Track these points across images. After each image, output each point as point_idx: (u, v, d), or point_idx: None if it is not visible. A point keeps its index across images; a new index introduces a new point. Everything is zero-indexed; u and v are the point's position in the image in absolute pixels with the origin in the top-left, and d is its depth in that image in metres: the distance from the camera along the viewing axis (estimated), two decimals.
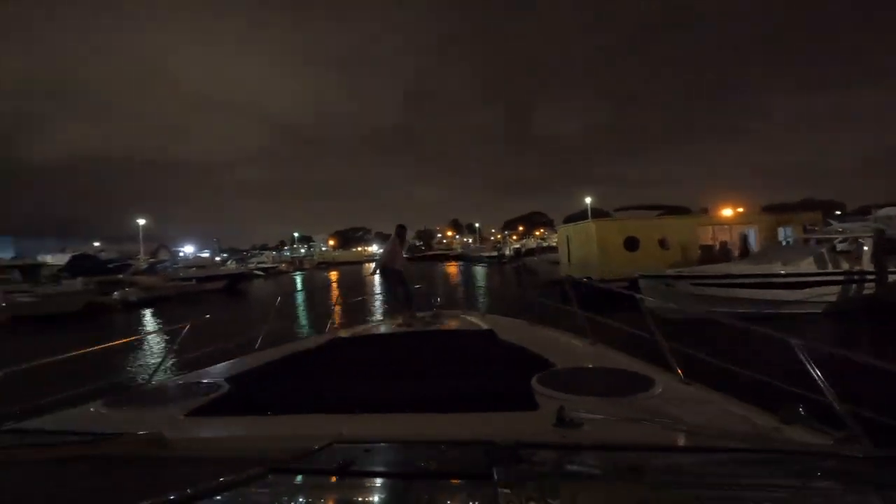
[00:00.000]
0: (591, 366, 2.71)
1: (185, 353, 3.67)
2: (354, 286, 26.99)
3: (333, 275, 47.40)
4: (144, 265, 31.57)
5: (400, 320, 5.02)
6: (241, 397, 2.35)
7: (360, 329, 4.80)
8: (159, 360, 3.63)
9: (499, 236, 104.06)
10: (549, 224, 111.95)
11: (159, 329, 4.77)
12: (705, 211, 20.47)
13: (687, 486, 1.03)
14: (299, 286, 36.30)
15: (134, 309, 21.80)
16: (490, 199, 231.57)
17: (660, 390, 2.09)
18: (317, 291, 27.70)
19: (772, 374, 2.40)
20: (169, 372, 3.90)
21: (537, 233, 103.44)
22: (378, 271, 6.10)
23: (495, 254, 58.61)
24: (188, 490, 0.88)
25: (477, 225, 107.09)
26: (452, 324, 4.68)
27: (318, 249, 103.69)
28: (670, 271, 13.22)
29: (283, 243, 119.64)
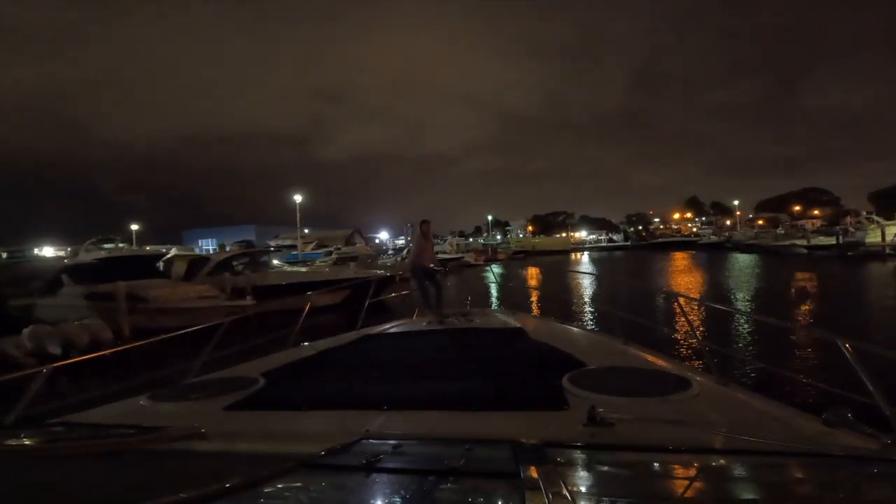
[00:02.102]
0: (624, 365, 2.56)
1: (224, 350, 3.44)
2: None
3: (533, 273, 30.59)
4: (242, 261, 18.44)
5: (430, 318, 4.85)
6: (276, 393, 2.40)
7: (389, 327, 4.66)
8: (200, 356, 3.12)
9: (760, 219, 73.17)
10: (832, 203, 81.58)
11: (198, 328, 3.38)
12: None
13: (724, 490, 1.00)
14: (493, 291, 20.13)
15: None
16: (726, 180, 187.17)
17: (696, 391, 1.99)
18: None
19: (815, 375, 2.42)
20: (209, 368, 3.20)
21: (817, 212, 72.47)
22: (411, 272, 5.77)
23: (830, 242, 33.44)
24: (225, 483, 0.91)
25: (736, 202, 77.47)
26: (483, 322, 4.49)
27: (514, 235, 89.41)
28: None
29: (478, 229, 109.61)
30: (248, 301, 13.89)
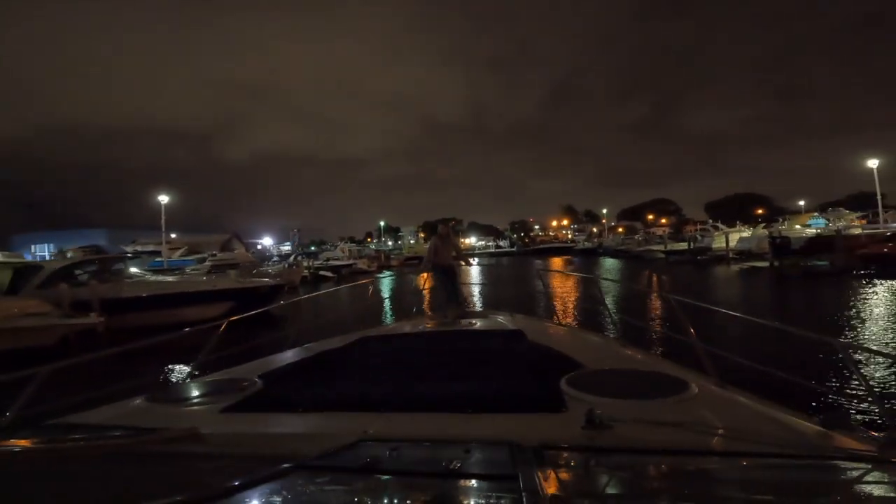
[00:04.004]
0: (622, 367, 2.55)
1: (221, 351, 3.42)
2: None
3: (423, 279, 29.59)
4: (88, 269, 14.63)
5: (429, 319, 4.89)
6: (273, 394, 2.37)
7: (387, 328, 4.69)
8: (197, 357, 3.17)
9: (620, 226, 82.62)
10: (676, 212, 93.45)
11: (195, 328, 3.29)
12: None
13: (722, 492, 1.01)
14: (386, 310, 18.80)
15: None
16: (602, 190, 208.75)
17: (694, 393, 1.98)
18: None
19: (813, 378, 2.25)
20: (206, 369, 3.22)
21: (664, 220, 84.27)
22: (431, 270, 6.07)
23: (683, 247, 38.27)
24: (221, 485, 0.91)
25: (605, 210, 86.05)
26: (480, 324, 4.46)
27: (406, 242, 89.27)
28: None
29: (369, 235, 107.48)
30: (93, 318, 11.07)
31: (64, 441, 1.40)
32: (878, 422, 1.63)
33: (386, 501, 0.92)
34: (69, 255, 16.99)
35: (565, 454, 1.10)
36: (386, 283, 22.52)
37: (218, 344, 3.26)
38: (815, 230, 31.23)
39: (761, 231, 33.73)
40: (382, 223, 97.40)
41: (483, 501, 0.90)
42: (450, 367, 2.80)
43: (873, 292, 14.67)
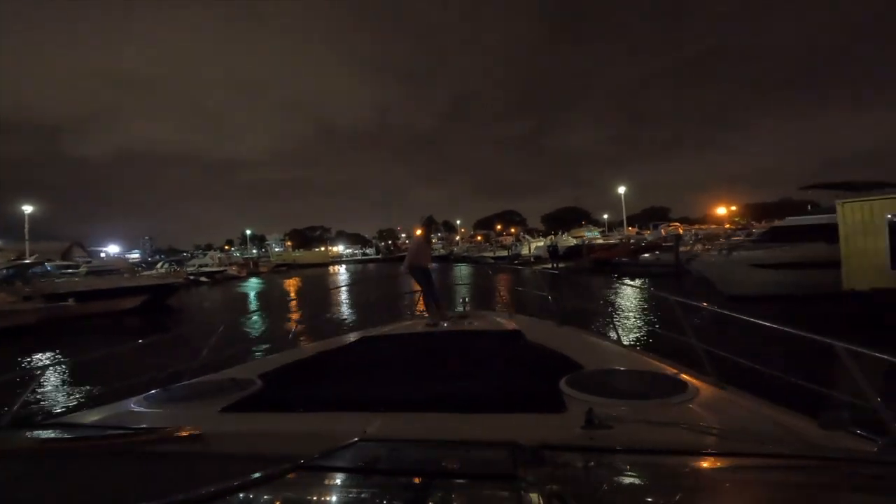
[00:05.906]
0: (621, 368, 2.54)
1: (221, 351, 3.48)
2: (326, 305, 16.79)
3: (292, 283, 33.73)
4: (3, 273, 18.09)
5: (428, 320, 4.89)
6: (273, 394, 2.37)
7: (387, 328, 4.69)
8: (197, 357, 3.20)
9: (479, 235, 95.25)
10: (521, 223, 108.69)
11: (196, 327, 5.33)
12: None
13: (721, 492, 1.00)
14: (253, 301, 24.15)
15: None
16: (477, 200, 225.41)
17: (693, 394, 1.97)
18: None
19: (812, 378, 2.26)
20: (206, 369, 3.18)
21: (513, 230, 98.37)
22: (408, 271, 5.82)
23: (504, 253, 49.13)
24: (221, 484, 0.91)
25: (458, 222, 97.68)
26: (480, 324, 4.51)
27: (272, 249, 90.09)
28: None
29: (230, 242, 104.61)
30: (71, 303, 15.04)
31: (64, 441, 1.37)
32: (878, 423, 1.53)
33: (386, 501, 0.92)
34: None
35: (565, 454, 1.10)
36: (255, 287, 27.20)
37: (218, 343, 3.28)
38: (574, 241, 44.45)
39: (549, 241, 46.22)
40: (249, 231, 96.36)
41: (483, 502, 0.91)
42: (449, 367, 2.84)
43: (575, 280, 24.14)
